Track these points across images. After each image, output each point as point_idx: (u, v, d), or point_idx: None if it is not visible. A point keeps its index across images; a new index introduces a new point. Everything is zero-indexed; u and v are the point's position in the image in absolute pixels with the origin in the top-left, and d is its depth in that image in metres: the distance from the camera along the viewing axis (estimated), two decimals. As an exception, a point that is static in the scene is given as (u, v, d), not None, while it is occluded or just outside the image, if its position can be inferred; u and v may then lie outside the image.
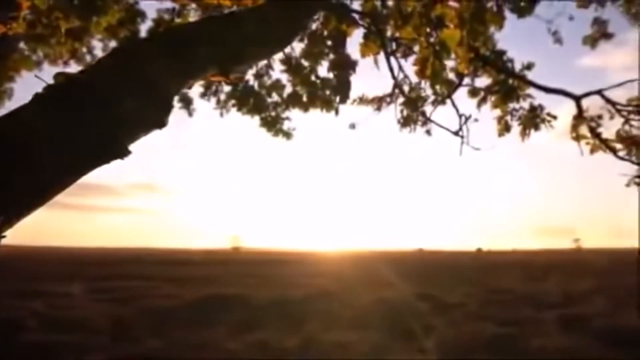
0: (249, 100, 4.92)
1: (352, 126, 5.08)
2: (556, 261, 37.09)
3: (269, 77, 5.00)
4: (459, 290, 16.80)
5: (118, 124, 1.45)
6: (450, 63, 3.84)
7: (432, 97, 4.61)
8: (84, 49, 4.37)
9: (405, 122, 4.74)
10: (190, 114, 5.20)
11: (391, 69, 3.45)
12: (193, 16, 4.54)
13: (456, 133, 3.90)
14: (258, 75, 4.95)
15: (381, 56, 3.40)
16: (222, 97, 5.04)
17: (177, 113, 5.26)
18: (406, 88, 4.60)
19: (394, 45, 3.62)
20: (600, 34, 4.81)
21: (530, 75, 4.25)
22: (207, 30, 1.76)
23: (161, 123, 1.63)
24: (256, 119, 5.12)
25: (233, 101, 4.94)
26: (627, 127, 4.04)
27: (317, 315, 11.19)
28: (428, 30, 2.31)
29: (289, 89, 4.95)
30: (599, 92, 3.97)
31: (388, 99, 4.67)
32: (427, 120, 4.64)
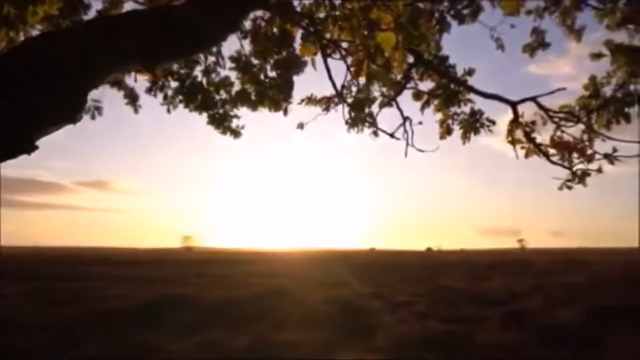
0: (196, 97, 4.85)
1: (300, 126, 5.09)
2: (501, 261, 38.39)
3: (218, 74, 4.96)
4: (408, 288, 17.12)
5: (25, 118, 1.39)
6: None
7: (379, 99, 4.68)
8: (22, 39, 4.18)
9: (353, 123, 4.79)
10: (136, 111, 5.07)
11: (328, 70, 3.49)
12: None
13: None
14: (206, 72, 4.89)
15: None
16: (170, 92, 4.94)
17: (125, 109, 5.13)
18: (354, 89, 4.65)
19: (331, 47, 3.65)
20: (538, 43, 5.02)
21: (472, 80, 4.39)
22: (131, 24, 1.70)
23: (72, 118, 1.56)
24: (204, 116, 5.07)
25: (180, 97, 4.87)
26: (558, 133, 4.24)
27: (268, 315, 11.14)
28: (365, 33, 2.34)
29: (238, 87, 4.93)
30: (533, 99, 4.15)
31: (336, 100, 4.71)
32: (373, 121, 4.71)
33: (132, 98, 5.02)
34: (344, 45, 3.36)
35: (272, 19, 3.73)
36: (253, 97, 4.82)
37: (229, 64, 4.78)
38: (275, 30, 3.88)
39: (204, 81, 4.94)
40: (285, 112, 4.87)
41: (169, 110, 4.98)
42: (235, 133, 5.31)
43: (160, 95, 4.96)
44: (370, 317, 11.16)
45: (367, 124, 4.74)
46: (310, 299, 13.54)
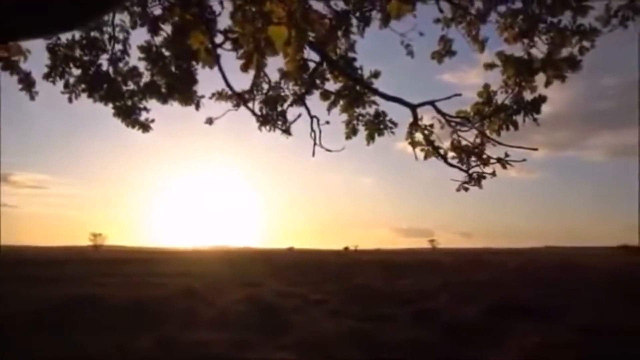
0: (101, 86, 4.59)
1: (209, 121, 4.97)
2: (413, 260, 39.90)
3: (126, 64, 4.72)
4: (323, 287, 17.34)
5: None
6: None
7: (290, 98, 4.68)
8: None
9: (264, 120, 4.75)
10: (32, 97, 4.70)
11: (219, 62, 3.43)
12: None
13: (285, 131, 4.00)
14: (113, 60, 4.65)
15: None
16: (71, 80, 4.64)
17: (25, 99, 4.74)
18: (265, 86, 4.62)
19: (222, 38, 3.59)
20: (445, 51, 5.24)
21: (380, 83, 4.51)
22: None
23: None
24: (110, 107, 4.82)
25: (83, 86, 4.58)
26: (455, 137, 4.47)
27: (178, 315, 10.83)
28: (258, 25, 2.31)
29: (147, 78, 4.73)
30: (432, 103, 4.34)
31: (247, 96, 4.65)
32: (284, 120, 4.70)
33: (27, 83, 4.64)
34: (236, 37, 3.32)
35: (172, 7, 3.61)
36: (163, 90, 4.64)
37: (138, 53, 4.58)
38: (173, 20, 3.76)
39: (111, 70, 4.69)
40: (197, 107, 4.75)
41: (70, 100, 4.68)
42: (144, 126, 5.09)
43: (60, 83, 4.64)
44: (283, 315, 11.16)
45: (279, 122, 4.73)
46: (223, 298, 13.33)
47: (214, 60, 3.36)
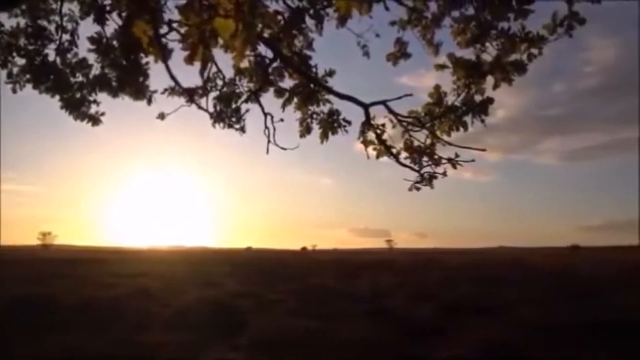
0: (48, 77, 4.42)
1: (161, 116, 4.86)
2: (370, 260, 40.34)
3: (75, 55, 4.56)
4: (280, 287, 17.28)
5: None
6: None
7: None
8: None
9: (218, 117, 4.69)
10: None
11: (163, 54, 3.37)
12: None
13: (240, 128, 3.97)
14: (60, 51, 4.48)
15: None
16: (15, 70, 4.45)
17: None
18: (219, 82, 4.56)
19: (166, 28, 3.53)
20: (401, 53, 5.32)
21: (335, 82, 4.53)
22: None
23: None
24: (58, 100, 4.64)
25: (28, 76, 4.40)
26: (407, 137, 4.55)
27: (132, 316, 10.57)
28: (204, 16, 2.28)
29: (97, 70, 4.59)
30: (384, 103, 4.40)
31: (200, 92, 4.58)
32: (239, 117, 4.65)
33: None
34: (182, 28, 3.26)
35: (119, -3, 3.52)
36: (114, 83, 4.52)
37: (87, 44, 4.44)
38: (120, 10, 3.66)
39: (58, 61, 4.52)
40: (150, 102, 4.64)
41: (14, 90, 4.49)
42: (94, 120, 4.95)
43: (3, 73, 4.45)
44: (239, 315, 11.06)
45: (233, 119, 4.68)
46: (179, 299, 13.10)
47: (158, 51, 3.28)
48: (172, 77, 3.55)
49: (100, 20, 3.86)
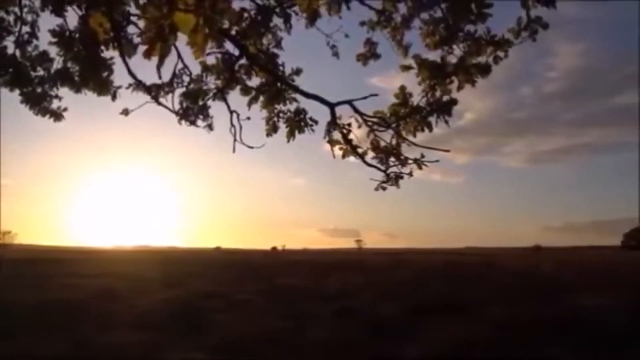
0: (6, 71, 4.26)
1: (125, 112, 4.75)
2: (339, 260, 40.50)
3: (35, 48, 4.41)
4: (249, 287, 17.17)
5: None
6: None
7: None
8: None
9: (184, 114, 4.61)
10: None
11: (120, 47, 3.30)
12: None
13: (192, 122, 3.92)
14: (20, 43, 4.31)
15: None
16: (-29, 63, 4.27)
17: None
18: (186, 79, 4.49)
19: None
20: (370, 54, 5.35)
21: (300, 80, 4.52)
22: None
23: None
24: (18, 94, 4.48)
25: (-16, 69, 4.23)
26: (373, 137, 4.57)
27: (94, 317, 10.33)
28: (164, 10, 2.24)
29: (59, 64, 4.44)
30: (350, 102, 4.42)
31: (166, 88, 4.50)
32: (206, 114, 4.59)
33: None
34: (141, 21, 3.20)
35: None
36: (76, 78, 4.38)
37: (49, 37, 4.29)
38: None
39: (17, 53, 4.36)
40: (114, 97, 4.53)
41: (-30, 83, 4.31)
42: (56, 115, 4.79)
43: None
44: (205, 316, 10.93)
45: (200, 117, 4.61)
46: (143, 299, 12.87)
47: (113, 43, 3.20)
48: (130, 72, 3.47)
49: (58, 12, 3.73)
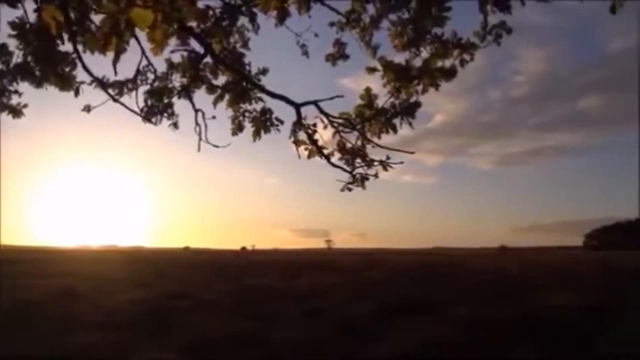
0: (-39, 64, 4.10)
1: (87, 109, 4.63)
2: (309, 260, 40.51)
3: (-8, 41, 4.25)
4: (217, 287, 17.02)
5: None
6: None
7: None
8: None
9: (149, 112, 4.52)
10: None
11: (75, 42, 3.22)
12: None
13: (146, 118, 3.86)
14: (-26, 36, 4.16)
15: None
16: None
17: None
18: (150, 76, 4.40)
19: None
20: (339, 54, 5.36)
21: (265, 80, 4.49)
22: None
23: None
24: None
25: None
26: (339, 137, 4.59)
27: (54, 318, 10.06)
28: (122, 5, 2.18)
29: (19, 58, 4.29)
30: (315, 103, 4.42)
31: (130, 85, 4.40)
32: (172, 112, 4.51)
33: None
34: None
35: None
36: (37, 72, 4.25)
37: (8, 30, 4.14)
38: None
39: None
40: (77, 93, 4.40)
41: None
42: (15, 111, 4.64)
43: None
44: (172, 316, 10.78)
45: (165, 115, 4.54)
46: (109, 299, 12.62)
47: (67, 37, 3.11)
48: (85, 68, 3.36)
49: (12, 3, 3.60)
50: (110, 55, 2.34)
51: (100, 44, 2.24)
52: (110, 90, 4.39)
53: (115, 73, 3.90)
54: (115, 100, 4.05)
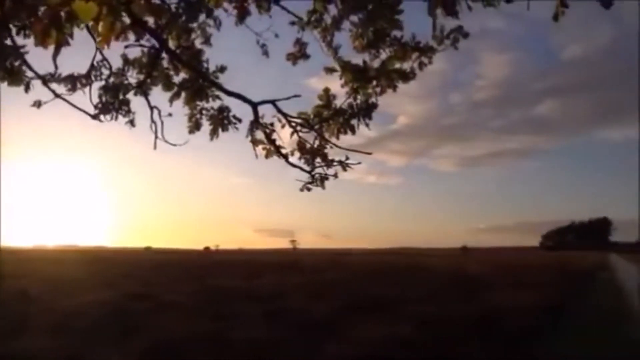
0: None
1: (37, 104, 4.48)
2: (273, 260, 40.42)
3: None
4: (179, 287, 16.78)
5: None
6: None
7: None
8: None
9: (103, 109, 4.43)
10: None
11: (11, 36, 3.12)
12: None
13: (94, 116, 3.79)
14: None
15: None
16: None
17: None
18: (105, 72, 4.31)
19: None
20: (300, 54, 5.37)
21: (223, 77, 4.47)
22: None
23: None
24: None
25: None
26: (297, 137, 4.62)
27: (7, 322, 9.71)
28: None
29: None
30: (273, 102, 4.44)
31: (84, 80, 4.30)
32: (128, 109, 4.43)
33: None
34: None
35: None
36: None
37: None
38: None
39: None
40: (27, 89, 4.26)
41: None
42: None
43: None
44: (133, 318, 10.56)
45: (121, 112, 4.45)
46: (64, 302, 12.25)
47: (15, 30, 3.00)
48: (25, 62, 3.24)
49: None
50: (44, 47, 2.26)
51: (39, 36, 2.18)
52: (62, 86, 4.29)
53: (56, 67, 3.81)
54: (57, 96, 3.92)
